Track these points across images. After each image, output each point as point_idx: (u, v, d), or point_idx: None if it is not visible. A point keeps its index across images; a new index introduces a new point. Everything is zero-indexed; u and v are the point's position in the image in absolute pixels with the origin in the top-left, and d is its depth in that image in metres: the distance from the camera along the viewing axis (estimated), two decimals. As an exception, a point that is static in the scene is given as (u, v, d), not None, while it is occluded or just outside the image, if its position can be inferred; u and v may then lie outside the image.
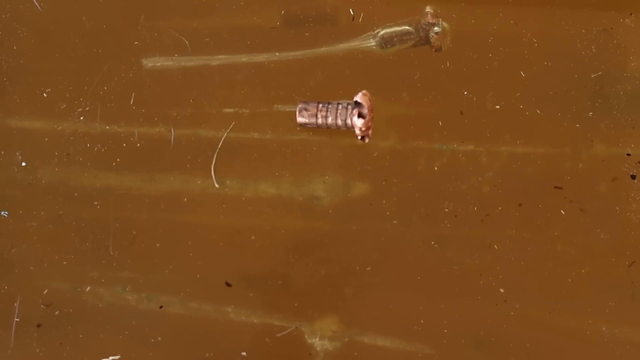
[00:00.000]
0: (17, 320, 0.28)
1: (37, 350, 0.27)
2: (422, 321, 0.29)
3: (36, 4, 0.30)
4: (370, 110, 0.27)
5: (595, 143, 0.29)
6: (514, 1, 0.30)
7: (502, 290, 0.28)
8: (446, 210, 0.29)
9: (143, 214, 0.29)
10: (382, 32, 0.31)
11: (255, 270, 0.29)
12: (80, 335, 0.27)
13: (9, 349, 0.27)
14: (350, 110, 0.27)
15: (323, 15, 0.30)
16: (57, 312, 0.28)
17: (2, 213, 0.28)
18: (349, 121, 0.27)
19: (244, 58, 0.30)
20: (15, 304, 0.28)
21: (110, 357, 0.27)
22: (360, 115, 0.27)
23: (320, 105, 0.28)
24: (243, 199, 0.29)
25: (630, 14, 0.29)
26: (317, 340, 0.29)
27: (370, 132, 0.28)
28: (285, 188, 0.29)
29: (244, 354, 0.28)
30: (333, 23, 0.30)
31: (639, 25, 0.30)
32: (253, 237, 0.28)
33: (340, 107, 0.28)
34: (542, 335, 0.28)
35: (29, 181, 0.29)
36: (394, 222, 0.29)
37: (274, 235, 0.29)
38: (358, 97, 0.27)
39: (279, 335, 0.27)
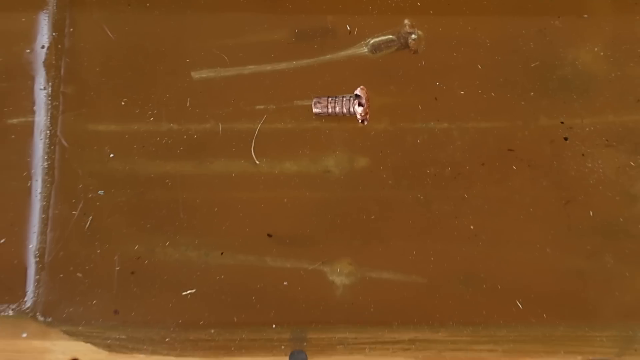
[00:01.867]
0: (118, 269, 0.32)
1: (134, 290, 0.31)
2: (414, 256, 0.32)
3: (109, 34, 0.34)
4: (367, 100, 0.33)
5: (538, 116, 0.33)
6: (471, 12, 0.34)
7: (472, 227, 0.32)
8: (428, 171, 0.33)
9: (202, 188, 0.33)
10: (372, 41, 0.35)
11: (288, 226, 0.33)
12: (165, 277, 0.32)
13: (113, 290, 0.31)
14: (352, 101, 0.33)
15: (326, 31, 0.35)
16: (146, 262, 0.32)
17: (99, 192, 0.32)
18: (351, 109, 0.33)
19: (268, 67, 0.34)
20: (115, 258, 0.32)
21: (188, 291, 0.31)
22: (359, 104, 0.32)
23: (330, 98, 0.33)
24: (276, 172, 0.33)
25: (559, 17, 0.34)
26: (336, 277, 0.33)
27: (367, 116, 0.33)
28: (304, 165, 0.34)
29: (285, 283, 0.32)
30: (334, 36, 0.35)
31: (565, 25, 0.34)
32: (285, 200, 0.33)
33: (344, 99, 0.33)
34: (503, 258, 0.32)
35: (117, 167, 0.33)
36: (390, 182, 0.33)
37: (301, 199, 0.33)
38: (357, 91, 0.33)
39: (310, 268, 0.32)
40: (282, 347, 0.32)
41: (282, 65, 0.34)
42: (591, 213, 0.33)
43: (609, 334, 0.33)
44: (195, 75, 0.34)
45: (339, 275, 0.33)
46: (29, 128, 0.33)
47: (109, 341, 0.31)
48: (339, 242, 0.33)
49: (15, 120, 0.33)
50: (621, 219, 0.33)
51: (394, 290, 0.33)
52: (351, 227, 0.33)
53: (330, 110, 0.33)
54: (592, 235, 0.33)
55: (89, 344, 0.31)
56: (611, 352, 0.32)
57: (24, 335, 0.32)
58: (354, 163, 0.34)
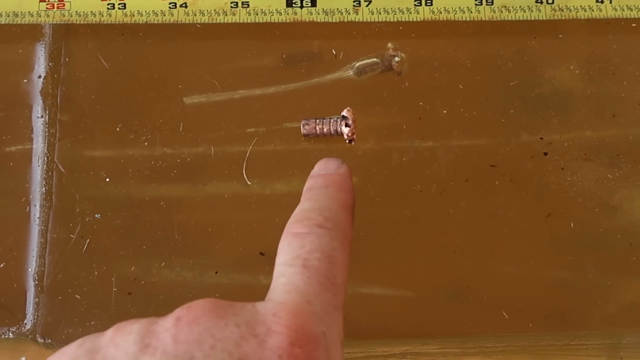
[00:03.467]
0: (115, 290, 0.32)
1: (132, 310, 0.32)
2: (403, 271, 0.33)
3: (104, 63, 0.35)
4: (354, 120, 0.33)
5: (518, 132, 0.35)
6: (451, 35, 0.36)
7: (457, 241, 0.33)
8: (414, 188, 0.34)
9: (196, 209, 0.34)
10: (357, 64, 0.36)
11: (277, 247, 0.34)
12: (161, 296, 0.32)
13: (111, 310, 0.32)
14: (339, 122, 0.33)
15: (313, 56, 0.36)
16: (142, 282, 0.33)
17: (96, 215, 0.33)
18: (339, 129, 0.33)
19: (257, 91, 0.35)
20: (112, 279, 0.33)
21: None
22: (346, 125, 0.33)
23: (317, 120, 0.34)
24: (267, 192, 0.34)
25: (535, 38, 0.36)
26: None
27: (355, 136, 0.33)
28: (295, 185, 0.34)
29: None
30: (320, 60, 0.36)
31: (542, 45, 0.35)
32: (277, 219, 0.33)
33: (332, 120, 0.34)
34: (489, 270, 0.33)
35: (113, 191, 0.34)
36: (377, 199, 0.34)
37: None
38: (344, 112, 0.33)
39: None
40: (277, 362, 0.32)
41: (271, 89, 0.35)
42: (572, 225, 0.34)
43: (594, 342, 0.34)
44: (188, 100, 0.35)
45: (330, 291, 0.34)
46: (27, 155, 0.34)
47: (107, 361, 0.32)
48: (330, 259, 0.34)
49: (13, 148, 0.35)
50: (601, 230, 0.34)
51: (385, 304, 0.33)
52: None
53: (318, 131, 0.34)
54: (574, 246, 0.34)
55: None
56: (597, 360, 0.33)
57: (23, 358, 0.33)
58: (343, 182, 0.35)
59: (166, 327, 0.21)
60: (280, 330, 0.21)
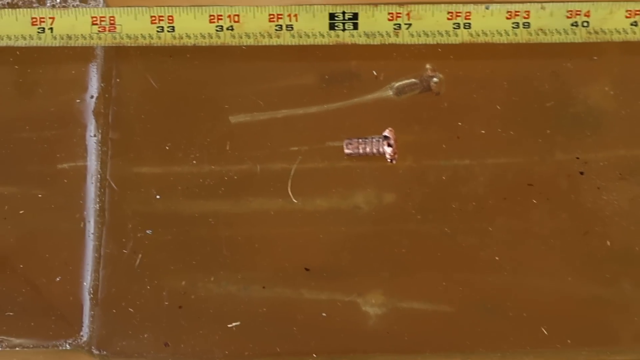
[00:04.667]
0: (166, 303, 0.33)
1: (183, 323, 0.33)
2: (443, 287, 0.34)
3: (153, 83, 0.36)
4: (395, 141, 0.35)
5: (554, 152, 0.35)
6: (488, 57, 0.36)
7: (497, 258, 0.34)
8: (453, 206, 0.35)
9: (243, 226, 0.34)
10: (396, 85, 0.36)
11: (323, 259, 0.34)
12: (211, 310, 0.33)
13: (163, 323, 0.33)
14: (381, 142, 0.35)
15: (353, 76, 0.36)
16: (192, 296, 0.33)
17: (147, 231, 0.34)
18: (381, 149, 0.35)
19: (300, 110, 0.36)
20: (164, 293, 0.34)
21: (233, 323, 0.33)
22: (389, 145, 0.35)
23: (360, 139, 0.35)
24: (310, 209, 0.35)
25: (570, 60, 0.36)
26: (370, 307, 0.34)
27: (396, 156, 0.35)
28: (336, 201, 0.35)
29: (324, 314, 0.34)
30: (360, 81, 0.36)
31: (577, 67, 0.36)
32: (320, 235, 0.34)
33: (374, 140, 0.35)
34: (527, 286, 0.34)
35: (163, 208, 0.34)
36: (418, 217, 0.35)
37: (335, 234, 0.35)
38: (386, 132, 0.35)
39: (345, 299, 0.34)
40: (323, 375, 0.33)
41: (313, 109, 0.36)
42: (608, 243, 0.35)
43: (629, 357, 0.34)
44: (234, 119, 0.36)
45: (372, 306, 0.34)
46: (80, 172, 0.35)
47: (159, 372, 0.33)
48: (371, 274, 0.35)
49: (66, 165, 0.36)
50: (637, 248, 0.35)
51: (425, 319, 0.34)
52: (382, 260, 0.35)
53: (361, 151, 0.35)
54: (610, 264, 0.34)
55: (140, 376, 0.33)
56: (633, 375, 0.34)
57: (80, 368, 0.34)
58: (382, 199, 0.35)
59: None
60: None
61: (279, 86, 0.37)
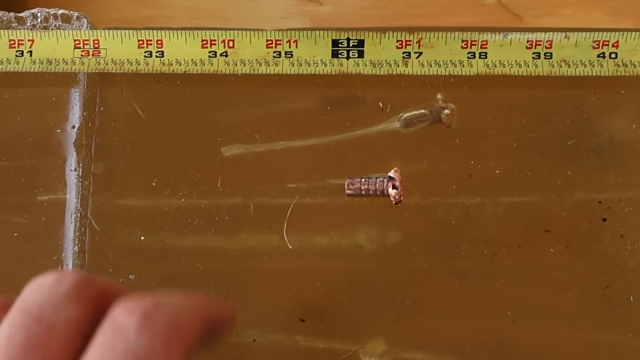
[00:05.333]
0: None
1: None
2: (450, 339, 0.32)
3: (140, 113, 0.34)
4: (401, 182, 0.32)
5: (575, 195, 0.33)
6: (505, 87, 0.34)
7: (509, 313, 0.32)
8: (463, 254, 0.33)
9: (234, 269, 0.32)
10: (404, 115, 0.34)
11: (319, 306, 0.33)
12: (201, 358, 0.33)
13: None
14: (385, 183, 0.32)
15: (357, 105, 0.34)
16: None
17: (130, 277, 0.32)
18: (385, 191, 0.32)
19: (299, 142, 0.34)
20: None
21: None
22: (393, 187, 0.32)
23: (363, 179, 0.32)
24: (307, 252, 0.33)
25: (595, 93, 0.34)
26: (371, 358, 0.32)
27: (402, 198, 0.32)
28: (336, 239, 0.33)
29: None
30: (365, 111, 0.34)
31: (602, 101, 0.33)
32: (318, 283, 0.32)
33: (378, 180, 0.32)
34: (542, 345, 0.32)
35: (147, 250, 0.32)
36: (423, 264, 0.33)
37: (333, 277, 0.33)
38: (391, 173, 0.32)
39: (344, 356, 0.32)
40: None
41: (313, 141, 0.34)
42: (632, 298, 0.32)
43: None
44: (226, 152, 0.34)
45: (373, 356, 0.32)
46: (59, 206, 0.33)
47: None
48: (371, 322, 0.33)
49: (46, 197, 0.33)
50: (663, 305, 0.32)
51: (429, 373, 0.32)
52: (384, 306, 0.33)
53: (363, 192, 0.32)
54: (633, 321, 0.32)
55: None
56: None
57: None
58: (385, 240, 0.33)
59: None
60: None
61: (276, 115, 0.34)
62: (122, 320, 0.19)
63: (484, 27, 0.34)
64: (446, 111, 0.34)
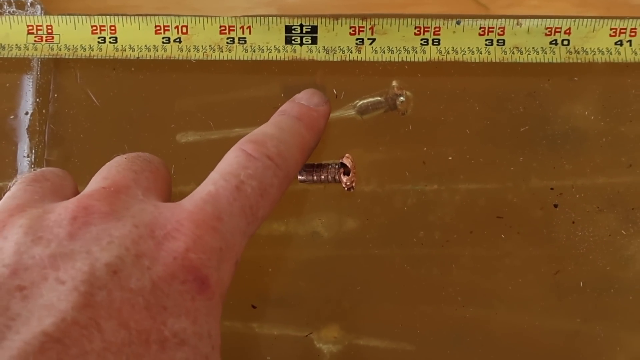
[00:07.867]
0: None
1: None
2: (402, 325, 0.32)
3: (95, 100, 0.34)
4: (353, 168, 0.32)
5: (527, 182, 0.33)
6: (459, 75, 0.34)
7: (459, 299, 0.32)
8: (415, 240, 0.33)
9: None
10: (359, 103, 0.34)
11: (273, 293, 0.33)
12: None
13: None
14: (337, 169, 0.32)
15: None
16: None
17: None
18: (337, 177, 0.32)
19: (254, 130, 0.33)
20: None
21: None
22: (345, 173, 0.32)
23: (315, 165, 0.32)
24: (264, 234, 0.33)
25: (548, 80, 0.34)
26: (323, 344, 0.33)
27: (354, 184, 0.32)
28: (293, 226, 0.33)
29: (268, 358, 0.32)
30: None
31: (556, 88, 0.33)
32: (270, 270, 0.33)
33: (330, 167, 0.32)
34: (493, 331, 0.32)
35: None
36: (378, 251, 0.33)
37: (286, 264, 0.33)
38: (343, 160, 0.32)
39: (298, 335, 0.32)
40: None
41: (269, 128, 0.34)
42: (581, 284, 0.32)
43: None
44: (181, 139, 0.34)
45: (326, 342, 0.33)
46: (12, 195, 0.33)
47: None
48: (325, 308, 0.33)
49: (-1, 185, 0.33)
50: (612, 290, 0.32)
51: (383, 358, 0.32)
52: (338, 292, 0.33)
53: (315, 179, 0.32)
54: (583, 307, 0.32)
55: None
56: None
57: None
58: (341, 227, 0.33)
59: (61, 224, 0.22)
60: (179, 236, 0.22)
61: (231, 102, 0.34)
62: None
63: (437, 14, 0.34)
64: (401, 98, 0.34)
